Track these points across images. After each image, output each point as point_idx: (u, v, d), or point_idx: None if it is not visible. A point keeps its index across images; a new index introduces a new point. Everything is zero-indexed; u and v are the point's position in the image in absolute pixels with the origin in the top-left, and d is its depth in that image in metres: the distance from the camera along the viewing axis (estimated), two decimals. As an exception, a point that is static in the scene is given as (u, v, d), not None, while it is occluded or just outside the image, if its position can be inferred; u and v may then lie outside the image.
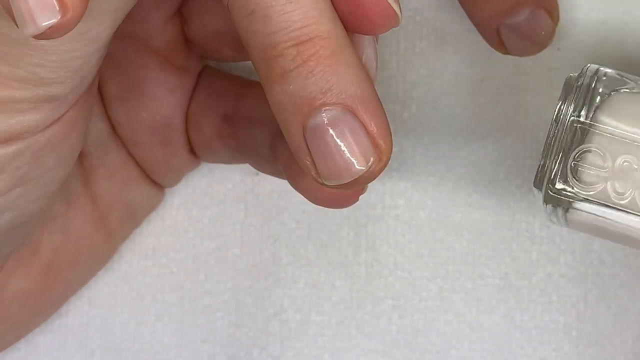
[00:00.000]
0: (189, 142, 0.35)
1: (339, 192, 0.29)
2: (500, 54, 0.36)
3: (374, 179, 0.26)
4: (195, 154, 0.35)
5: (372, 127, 0.26)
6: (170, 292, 0.37)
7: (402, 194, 0.37)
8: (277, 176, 0.34)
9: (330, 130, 0.26)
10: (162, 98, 0.34)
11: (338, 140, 0.26)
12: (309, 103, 0.26)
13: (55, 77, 0.27)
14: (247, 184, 0.37)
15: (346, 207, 0.32)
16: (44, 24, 0.24)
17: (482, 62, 0.37)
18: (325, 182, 0.26)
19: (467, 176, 0.36)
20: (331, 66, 0.26)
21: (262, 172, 0.35)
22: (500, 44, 0.35)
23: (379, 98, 0.27)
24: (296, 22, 0.26)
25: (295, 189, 0.31)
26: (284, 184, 0.37)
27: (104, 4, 0.26)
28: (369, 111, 0.26)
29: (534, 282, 0.36)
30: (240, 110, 0.34)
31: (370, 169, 0.26)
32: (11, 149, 0.28)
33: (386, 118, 0.27)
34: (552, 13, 0.34)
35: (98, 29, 0.27)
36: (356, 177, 0.26)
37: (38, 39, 0.24)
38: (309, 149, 0.26)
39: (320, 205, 0.31)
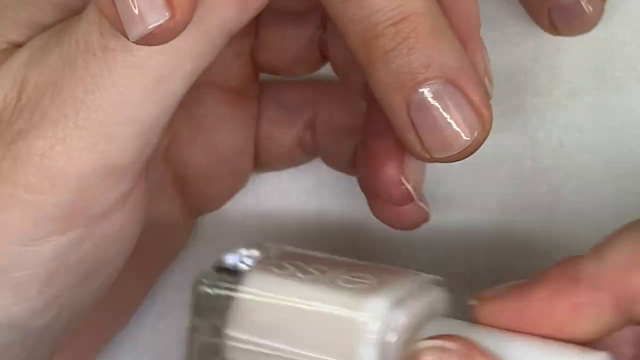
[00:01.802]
0: (255, 163, 0.35)
1: (411, 213, 0.31)
2: (500, 54, 0.36)
3: (478, 148, 0.27)
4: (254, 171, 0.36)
5: (474, 97, 0.26)
6: (171, 292, 0.37)
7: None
8: (353, 174, 0.34)
9: (436, 104, 0.26)
10: (234, 131, 0.34)
11: (444, 113, 0.26)
12: (412, 79, 0.26)
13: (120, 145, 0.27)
14: (248, 184, 0.37)
15: (416, 227, 0.32)
16: (151, 25, 0.23)
17: (482, 63, 0.37)
18: (434, 156, 0.27)
19: (467, 176, 0.36)
20: (430, 41, 0.26)
21: (337, 170, 0.35)
22: (550, 26, 0.35)
23: (473, 67, 0.27)
24: (392, 2, 0.26)
25: (373, 212, 0.32)
26: (284, 184, 0.37)
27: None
28: (469, 81, 0.26)
29: (534, 282, 0.36)
30: (322, 119, 0.34)
31: (476, 138, 0.27)
32: (76, 235, 0.27)
33: (484, 86, 0.27)
34: None
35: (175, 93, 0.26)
36: (464, 147, 0.26)
37: (143, 43, 0.24)
38: (413, 125, 0.26)
39: (394, 226, 0.32)
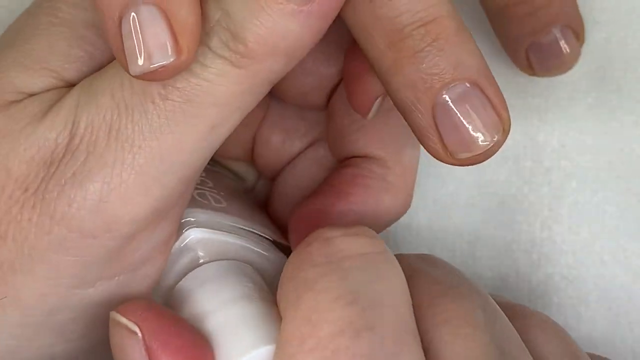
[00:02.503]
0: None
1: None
2: (501, 55, 0.36)
3: (497, 150, 0.27)
4: None
5: (495, 99, 0.27)
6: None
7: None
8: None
9: (462, 105, 0.26)
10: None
11: (470, 114, 0.26)
12: (440, 79, 0.26)
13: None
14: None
15: None
16: (155, 65, 0.24)
17: (483, 63, 0.37)
18: (456, 157, 0.27)
19: (468, 177, 0.36)
20: (458, 43, 0.26)
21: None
22: (527, 65, 0.35)
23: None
24: (420, 4, 0.26)
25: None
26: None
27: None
28: (491, 84, 0.27)
29: (535, 283, 0.36)
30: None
31: (496, 140, 0.27)
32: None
33: (500, 89, 0.27)
34: (579, 34, 0.35)
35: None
36: (486, 149, 0.27)
37: (142, 78, 0.24)
38: (437, 126, 0.27)
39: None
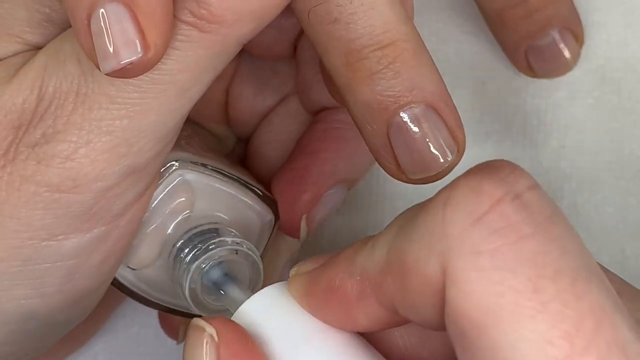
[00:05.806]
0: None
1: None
2: (501, 55, 0.36)
3: (451, 170, 0.27)
4: None
5: (451, 121, 0.27)
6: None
7: (402, 197, 0.37)
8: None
9: (417, 126, 0.27)
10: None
11: (424, 135, 0.27)
12: (395, 101, 0.27)
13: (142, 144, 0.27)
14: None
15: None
16: (124, 61, 0.24)
17: (483, 64, 0.37)
18: (410, 177, 0.27)
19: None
20: (414, 66, 0.27)
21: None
22: (527, 67, 0.35)
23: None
24: (378, 27, 0.27)
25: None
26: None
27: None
28: (447, 107, 0.27)
29: (534, 283, 0.36)
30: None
31: (451, 161, 0.27)
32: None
33: (457, 110, 0.28)
34: (577, 35, 0.35)
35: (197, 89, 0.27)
36: (440, 169, 0.27)
37: (113, 75, 0.25)
38: (391, 146, 0.27)
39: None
